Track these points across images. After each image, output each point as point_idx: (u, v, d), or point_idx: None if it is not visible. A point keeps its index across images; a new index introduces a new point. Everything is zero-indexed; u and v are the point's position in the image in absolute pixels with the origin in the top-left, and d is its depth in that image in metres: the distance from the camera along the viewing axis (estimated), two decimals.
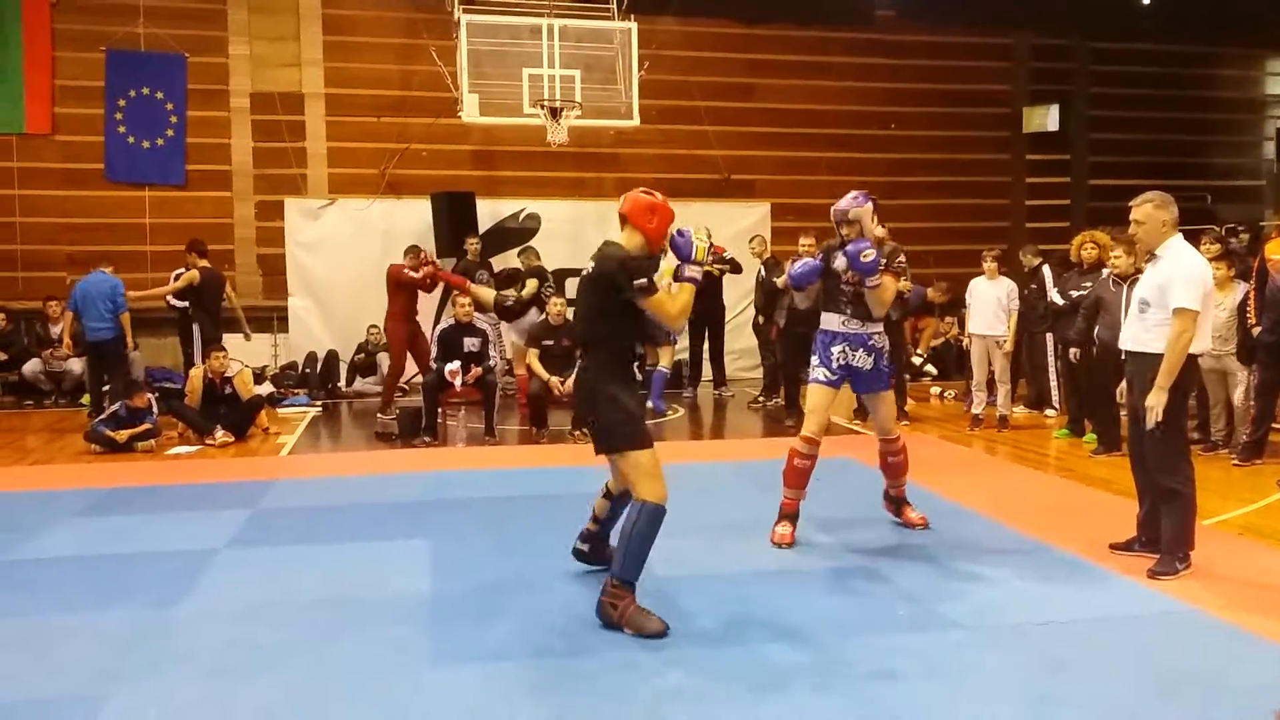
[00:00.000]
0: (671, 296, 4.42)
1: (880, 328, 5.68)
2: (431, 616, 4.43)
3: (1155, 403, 4.83)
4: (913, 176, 14.41)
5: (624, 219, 4.64)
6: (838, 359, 5.61)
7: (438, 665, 3.89)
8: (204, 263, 10.42)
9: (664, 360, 10.83)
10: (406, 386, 11.21)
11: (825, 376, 5.62)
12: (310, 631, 4.25)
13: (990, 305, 9.34)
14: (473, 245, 11.60)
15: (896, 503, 5.96)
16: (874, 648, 4.02)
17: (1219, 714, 3.45)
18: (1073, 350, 8.33)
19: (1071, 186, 15.19)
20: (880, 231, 5.73)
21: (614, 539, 4.67)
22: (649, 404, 10.73)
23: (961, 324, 11.06)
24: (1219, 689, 3.64)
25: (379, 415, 10.29)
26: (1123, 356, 5.26)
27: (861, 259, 5.31)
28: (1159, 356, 4.85)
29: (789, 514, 5.61)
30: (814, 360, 5.70)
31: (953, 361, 13.10)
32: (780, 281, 9.66)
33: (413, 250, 10.52)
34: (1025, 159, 15.09)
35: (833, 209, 5.59)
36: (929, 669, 3.81)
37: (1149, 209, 5.03)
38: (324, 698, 3.60)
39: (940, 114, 14.57)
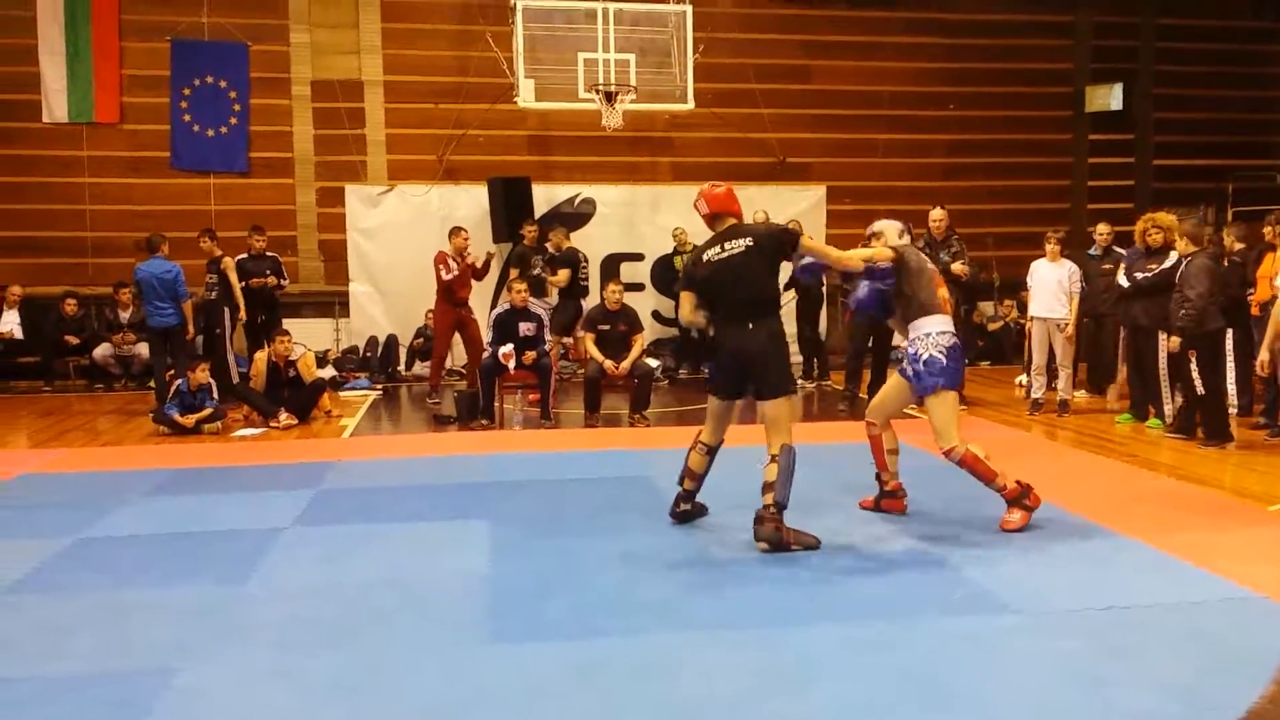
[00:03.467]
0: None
1: (924, 332, 5.47)
2: (490, 596, 4.50)
3: None
4: (972, 158, 14.24)
5: (716, 217, 5.42)
6: (904, 362, 5.63)
7: (496, 643, 3.96)
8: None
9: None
10: (463, 370, 11.30)
11: (901, 369, 5.67)
12: (372, 608, 4.35)
13: (1051, 288, 9.18)
14: (530, 231, 11.67)
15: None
16: (929, 630, 4.01)
17: None
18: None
19: (1135, 167, 14.87)
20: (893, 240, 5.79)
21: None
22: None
23: (1021, 306, 10.93)
24: None
25: (427, 399, 10.48)
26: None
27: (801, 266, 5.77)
28: None
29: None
30: None
31: (1011, 345, 12.98)
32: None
33: (456, 231, 10.53)
34: (1088, 139, 14.79)
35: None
36: (985, 652, 3.80)
37: None
38: (386, 673, 3.68)
39: (1000, 94, 14.34)
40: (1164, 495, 6.22)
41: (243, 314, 10.63)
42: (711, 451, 5.58)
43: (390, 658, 3.82)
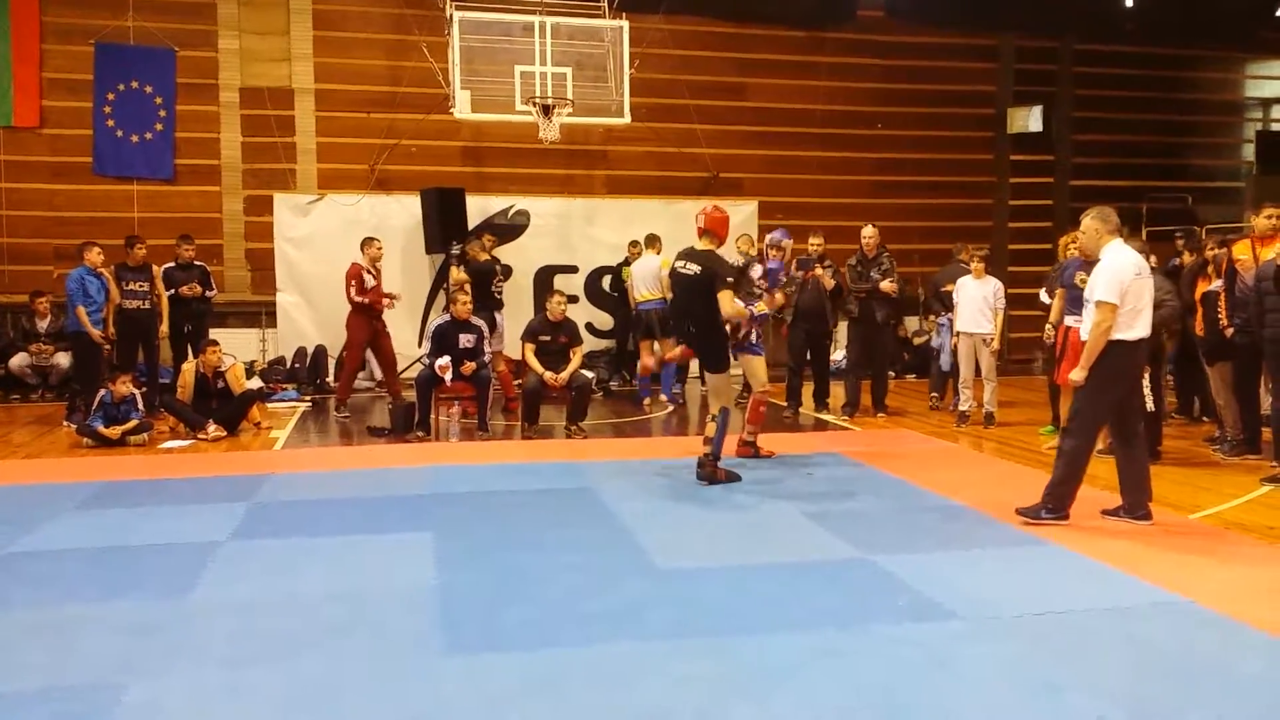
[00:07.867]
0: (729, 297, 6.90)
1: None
2: (441, 607, 4.49)
3: (1079, 379, 5.69)
4: (899, 176, 14.58)
5: (704, 231, 7.08)
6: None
7: (451, 655, 3.95)
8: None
9: (670, 353, 10.94)
10: (379, 384, 11.22)
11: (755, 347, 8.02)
12: (322, 622, 4.31)
13: (977, 304, 9.49)
14: (489, 241, 11.52)
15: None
16: (880, 638, 4.11)
17: (1220, 700, 3.56)
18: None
19: (1054, 187, 15.37)
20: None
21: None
22: (661, 395, 10.91)
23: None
24: (1215, 676, 3.76)
25: (334, 412, 10.30)
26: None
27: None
28: None
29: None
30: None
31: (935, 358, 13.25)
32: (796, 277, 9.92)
33: (368, 241, 10.41)
34: (1009, 159, 15.24)
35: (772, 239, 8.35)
36: (933, 658, 3.90)
37: (1088, 221, 5.85)
38: (341, 686, 3.65)
39: (926, 114, 14.70)
40: (1088, 503, 6.41)
41: (164, 325, 10.42)
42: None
43: (345, 672, 3.79)
